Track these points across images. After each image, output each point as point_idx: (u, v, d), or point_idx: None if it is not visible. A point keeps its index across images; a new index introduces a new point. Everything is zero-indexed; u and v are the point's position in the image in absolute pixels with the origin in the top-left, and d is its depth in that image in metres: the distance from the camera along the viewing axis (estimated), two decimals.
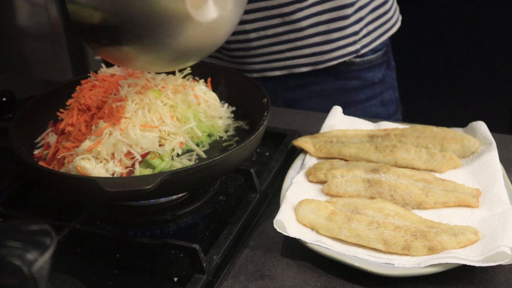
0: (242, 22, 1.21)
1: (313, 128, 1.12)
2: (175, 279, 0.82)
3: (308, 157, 1.03)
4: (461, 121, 1.11)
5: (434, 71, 2.29)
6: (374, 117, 1.19)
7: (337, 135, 1.05)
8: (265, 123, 0.92)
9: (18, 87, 1.26)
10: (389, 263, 0.81)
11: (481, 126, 1.05)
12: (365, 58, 1.32)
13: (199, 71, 1.09)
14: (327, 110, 1.13)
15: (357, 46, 1.30)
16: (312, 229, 0.87)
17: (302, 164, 1.02)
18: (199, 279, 0.79)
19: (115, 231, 0.92)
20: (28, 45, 2.64)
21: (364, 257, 0.82)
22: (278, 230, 0.86)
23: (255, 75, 1.32)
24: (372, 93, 1.35)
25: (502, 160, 1.00)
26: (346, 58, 1.30)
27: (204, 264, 0.80)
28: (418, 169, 0.98)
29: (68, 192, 0.91)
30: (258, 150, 1.10)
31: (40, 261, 0.53)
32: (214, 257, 0.82)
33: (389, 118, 1.32)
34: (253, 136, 0.88)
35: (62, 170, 0.89)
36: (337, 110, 1.13)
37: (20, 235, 0.55)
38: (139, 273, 0.84)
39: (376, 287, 0.80)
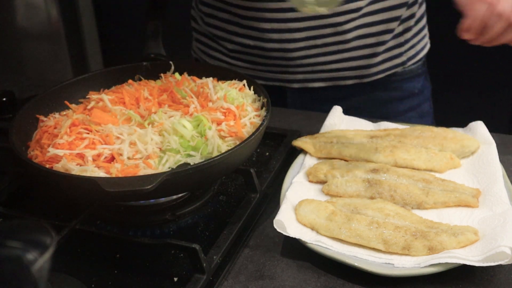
0: (292, 30, 1.19)
1: (313, 128, 1.12)
2: (175, 279, 0.82)
3: (308, 157, 1.03)
4: (461, 121, 1.11)
5: (434, 71, 2.29)
6: None
7: (337, 136, 1.05)
8: (265, 123, 0.92)
9: (18, 87, 1.26)
10: (389, 263, 0.81)
11: (480, 126, 1.05)
12: (406, 69, 1.29)
13: (199, 71, 1.09)
14: None
15: (404, 58, 1.28)
16: (312, 229, 0.87)
17: (302, 164, 1.02)
18: (199, 279, 0.79)
19: (115, 231, 0.92)
20: (28, 45, 2.64)
21: (364, 257, 0.82)
22: (278, 230, 0.86)
23: (295, 85, 1.28)
24: (411, 104, 1.31)
25: (502, 160, 1.00)
26: (392, 71, 1.27)
27: (204, 264, 0.80)
28: (418, 169, 0.98)
29: (68, 192, 0.91)
30: (258, 150, 1.10)
31: (40, 261, 0.53)
32: (214, 257, 0.82)
33: None
34: (253, 136, 0.88)
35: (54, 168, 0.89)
36: (337, 110, 1.13)
37: (20, 235, 0.55)
38: (139, 273, 0.84)
39: (376, 287, 0.80)
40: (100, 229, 0.92)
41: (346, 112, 1.14)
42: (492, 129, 1.05)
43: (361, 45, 1.23)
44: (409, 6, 1.25)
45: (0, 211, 0.92)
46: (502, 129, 1.16)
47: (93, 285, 0.82)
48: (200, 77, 1.08)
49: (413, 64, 1.31)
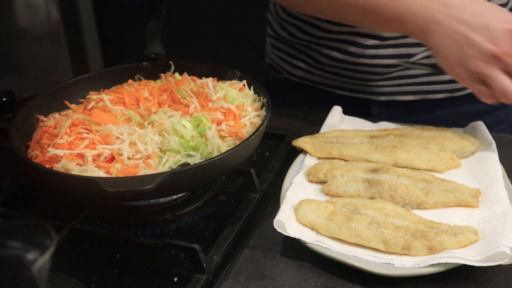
0: (389, 46, 1.17)
1: (313, 128, 1.12)
2: (175, 279, 0.82)
3: (308, 157, 1.03)
4: (461, 121, 1.10)
5: None
6: (504, 142, 1.10)
7: (337, 136, 1.05)
8: (265, 123, 0.92)
9: (18, 87, 1.26)
10: (389, 263, 0.81)
11: (480, 126, 1.05)
12: None
13: (199, 71, 1.09)
14: None
15: None
16: (312, 229, 0.87)
17: (302, 164, 1.02)
18: (199, 279, 0.79)
19: (115, 231, 0.92)
20: (28, 45, 2.64)
21: (364, 257, 0.82)
22: (278, 230, 0.86)
23: (382, 98, 1.24)
24: (500, 116, 1.27)
25: (502, 160, 1.00)
26: None
27: (204, 264, 0.80)
28: (418, 169, 0.98)
29: (68, 192, 0.92)
30: (258, 150, 1.10)
31: (40, 261, 0.53)
32: (214, 257, 0.82)
33: None
34: (253, 136, 0.88)
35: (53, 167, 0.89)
36: (337, 110, 1.13)
37: (20, 235, 0.55)
38: (139, 273, 0.84)
39: (376, 287, 0.80)
40: (100, 229, 0.92)
41: (434, 124, 1.09)
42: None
43: None
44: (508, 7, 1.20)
45: (0, 211, 0.92)
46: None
47: (93, 285, 0.82)
48: (200, 77, 1.08)
49: None
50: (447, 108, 1.25)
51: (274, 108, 0.98)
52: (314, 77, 1.29)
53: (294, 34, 1.27)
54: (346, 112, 1.16)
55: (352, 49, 1.19)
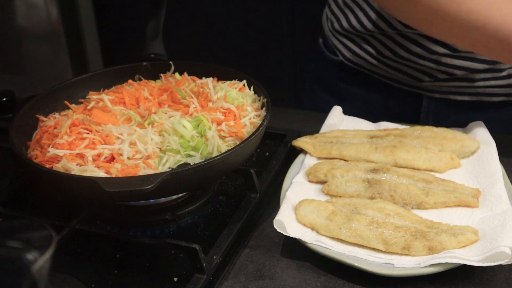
0: (457, 57, 1.13)
1: (313, 128, 1.12)
2: (175, 279, 0.82)
3: (308, 157, 1.03)
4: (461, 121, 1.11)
5: None
6: None
7: (337, 136, 1.05)
8: (265, 123, 0.92)
9: (18, 87, 1.26)
10: (389, 263, 0.81)
11: (480, 126, 1.05)
12: None
13: (199, 71, 1.09)
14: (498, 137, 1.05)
15: None
16: (312, 229, 0.87)
17: (302, 164, 1.02)
18: (199, 279, 0.79)
19: (115, 231, 0.93)
20: (28, 45, 2.64)
21: (364, 257, 0.82)
22: (278, 230, 0.86)
23: (437, 95, 1.21)
24: None
25: (502, 160, 1.00)
26: None
27: (204, 264, 0.80)
28: (418, 169, 0.98)
29: (68, 192, 0.92)
30: (258, 150, 1.10)
31: (40, 261, 0.53)
32: (214, 257, 0.82)
33: None
34: (253, 136, 0.88)
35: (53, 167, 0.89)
36: (337, 110, 1.13)
37: (20, 235, 0.55)
38: (139, 273, 0.84)
39: (376, 287, 0.80)
40: (100, 229, 0.92)
41: (486, 124, 1.07)
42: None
43: None
44: None
45: (0, 211, 0.92)
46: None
47: (93, 285, 0.82)
48: (200, 77, 1.08)
49: None
50: (500, 110, 1.21)
51: (274, 108, 0.98)
52: (372, 66, 1.25)
53: (362, 22, 1.22)
54: (395, 103, 1.11)
55: (419, 50, 1.16)
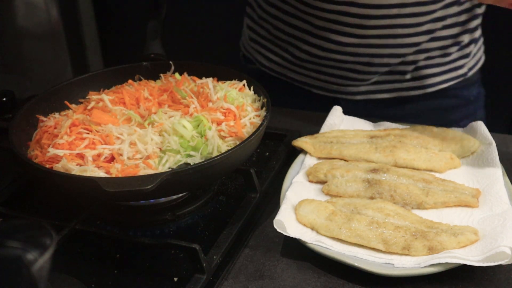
0: (373, 46, 1.18)
1: (313, 128, 1.12)
2: (175, 279, 0.82)
3: (308, 157, 1.03)
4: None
5: None
6: None
7: (337, 136, 1.05)
8: (265, 123, 0.92)
9: (18, 87, 1.26)
10: (389, 263, 0.81)
11: (480, 126, 1.05)
12: (465, 76, 1.29)
13: (199, 71, 1.09)
14: None
15: (465, 69, 1.27)
16: (312, 229, 0.87)
17: (302, 164, 1.02)
18: (199, 279, 0.79)
19: (115, 231, 0.92)
20: (28, 45, 2.64)
21: (364, 257, 0.82)
22: (278, 230, 0.86)
23: (358, 97, 1.27)
24: (467, 112, 1.31)
25: (502, 160, 1.00)
26: (454, 82, 1.27)
27: (204, 264, 0.80)
28: (418, 169, 0.98)
29: (68, 192, 0.92)
30: (258, 150, 1.10)
31: (40, 261, 0.53)
32: (214, 257, 0.82)
33: None
34: (253, 136, 0.88)
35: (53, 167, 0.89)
36: (337, 110, 1.13)
37: (20, 235, 0.55)
38: (139, 273, 0.84)
39: (376, 287, 0.80)
40: (100, 229, 0.92)
41: (405, 119, 1.12)
42: (492, 129, 1.05)
43: (424, 57, 1.22)
44: (479, 17, 1.24)
45: (0, 211, 0.92)
46: (502, 129, 1.16)
47: (93, 285, 0.82)
48: (200, 77, 1.08)
49: (472, 73, 1.29)
50: (413, 103, 1.28)
51: (274, 108, 0.98)
52: (290, 72, 1.30)
53: (279, 27, 1.28)
54: (314, 109, 1.16)
55: (332, 46, 1.20)
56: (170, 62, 1.12)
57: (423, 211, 0.90)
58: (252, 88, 1.04)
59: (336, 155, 1.02)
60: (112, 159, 0.89)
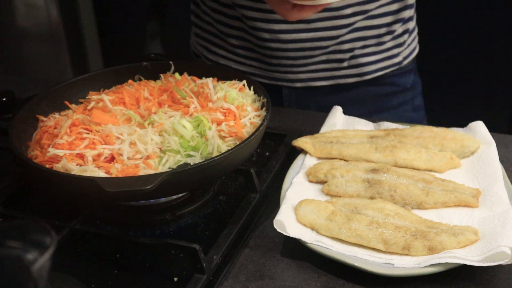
0: (301, 31, 1.21)
1: (313, 128, 1.12)
2: (175, 279, 0.82)
3: (308, 157, 1.03)
4: (461, 121, 1.11)
5: (434, 72, 2.29)
6: (407, 121, 1.19)
7: (337, 136, 1.05)
8: (265, 123, 0.92)
9: (18, 87, 1.26)
10: (389, 263, 0.81)
11: (480, 126, 1.05)
12: (400, 65, 1.33)
13: (199, 71, 1.09)
14: (361, 116, 1.13)
15: (400, 58, 1.31)
16: (312, 229, 0.87)
17: (302, 164, 1.02)
18: (199, 279, 0.79)
19: (115, 231, 0.92)
20: (28, 45, 2.64)
21: (364, 257, 0.82)
22: (278, 230, 0.86)
23: (298, 84, 1.30)
24: (405, 98, 1.36)
25: (502, 160, 1.00)
26: (390, 70, 1.31)
27: (204, 264, 0.80)
28: (418, 169, 0.98)
29: (68, 192, 0.92)
30: (258, 150, 1.10)
31: (40, 261, 0.53)
32: (214, 257, 0.82)
33: (420, 123, 1.32)
34: (253, 136, 0.88)
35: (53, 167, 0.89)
36: (337, 110, 1.13)
37: (20, 235, 0.55)
38: (139, 273, 0.84)
39: (376, 287, 0.80)
40: (100, 229, 0.92)
41: (343, 106, 1.16)
42: (492, 129, 1.05)
43: (361, 46, 1.26)
44: (411, 7, 1.29)
45: (0, 211, 0.92)
46: (502, 129, 1.16)
47: (93, 285, 0.82)
48: (200, 77, 1.08)
49: (407, 62, 1.34)
50: (356, 91, 1.31)
51: (274, 108, 0.98)
52: (233, 63, 1.33)
53: (217, 19, 1.30)
54: None
55: (261, 34, 1.23)
56: (170, 62, 1.12)
57: (423, 211, 0.90)
58: (252, 88, 1.04)
59: (336, 155, 1.02)
60: (112, 159, 0.89)
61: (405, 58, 1.32)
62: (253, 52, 1.29)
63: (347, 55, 1.26)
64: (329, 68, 1.28)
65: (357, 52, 1.26)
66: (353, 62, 1.27)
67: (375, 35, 1.26)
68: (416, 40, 1.38)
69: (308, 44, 1.23)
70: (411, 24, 1.32)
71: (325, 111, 1.23)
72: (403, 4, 1.26)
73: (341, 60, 1.26)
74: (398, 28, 1.28)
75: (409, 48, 1.33)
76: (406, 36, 1.31)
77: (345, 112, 1.15)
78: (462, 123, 1.08)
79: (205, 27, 1.35)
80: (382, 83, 1.32)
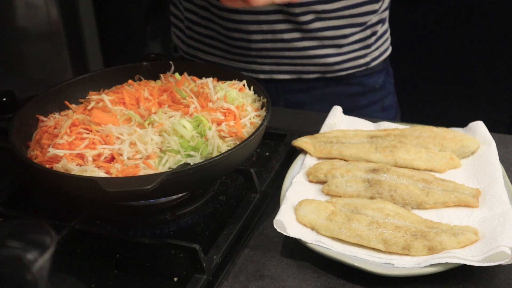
0: (260, 23, 1.23)
1: (313, 128, 1.12)
2: (175, 279, 0.82)
3: (308, 157, 1.03)
4: (461, 121, 1.11)
5: (433, 72, 2.30)
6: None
7: (337, 136, 1.05)
8: (265, 123, 0.92)
9: (18, 87, 1.26)
10: (389, 263, 0.81)
11: (480, 126, 1.05)
12: (368, 66, 1.34)
13: (199, 71, 1.09)
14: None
15: (368, 59, 1.32)
16: (312, 229, 0.87)
17: (302, 164, 1.02)
18: (199, 279, 0.79)
19: (115, 231, 0.93)
20: (28, 45, 2.64)
21: (364, 257, 0.82)
22: (278, 230, 0.86)
23: (261, 76, 1.32)
24: (373, 98, 1.37)
25: (502, 160, 1.00)
26: (356, 70, 1.32)
27: (204, 264, 0.80)
28: (418, 169, 0.98)
29: (68, 192, 0.92)
30: (258, 150, 1.10)
31: (40, 261, 0.53)
32: (214, 257, 0.82)
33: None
34: (253, 136, 0.88)
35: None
36: (337, 110, 1.13)
37: (20, 235, 0.55)
38: (139, 273, 0.84)
39: (376, 287, 0.80)
40: (100, 229, 0.92)
41: (312, 104, 1.19)
42: (492, 129, 1.05)
43: (325, 45, 1.27)
44: (379, 12, 1.29)
45: (0, 211, 0.92)
46: (502, 129, 1.16)
47: (93, 285, 0.82)
48: (200, 77, 1.08)
49: (376, 63, 1.36)
50: (322, 89, 1.33)
51: (274, 108, 0.98)
52: (202, 54, 1.35)
53: (188, 8, 1.31)
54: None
55: (226, 23, 1.25)
56: (170, 62, 1.12)
57: (423, 211, 0.90)
58: (252, 88, 1.04)
59: (336, 155, 1.02)
60: (112, 159, 0.89)
61: (373, 59, 1.34)
62: (219, 42, 1.30)
63: (306, 53, 1.27)
64: (290, 63, 1.29)
65: (317, 51, 1.27)
66: (315, 60, 1.28)
67: (332, 36, 1.26)
68: (388, 41, 1.38)
69: (269, 36, 1.25)
70: (380, 27, 1.32)
71: (295, 107, 1.27)
72: (368, 9, 1.26)
73: (302, 57, 1.28)
74: (365, 31, 1.29)
75: (378, 50, 1.34)
76: (373, 38, 1.31)
77: (314, 110, 1.17)
78: (462, 123, 1.08)
79: (179, 15, 1.37)
80: (350, 83, 1.33)
